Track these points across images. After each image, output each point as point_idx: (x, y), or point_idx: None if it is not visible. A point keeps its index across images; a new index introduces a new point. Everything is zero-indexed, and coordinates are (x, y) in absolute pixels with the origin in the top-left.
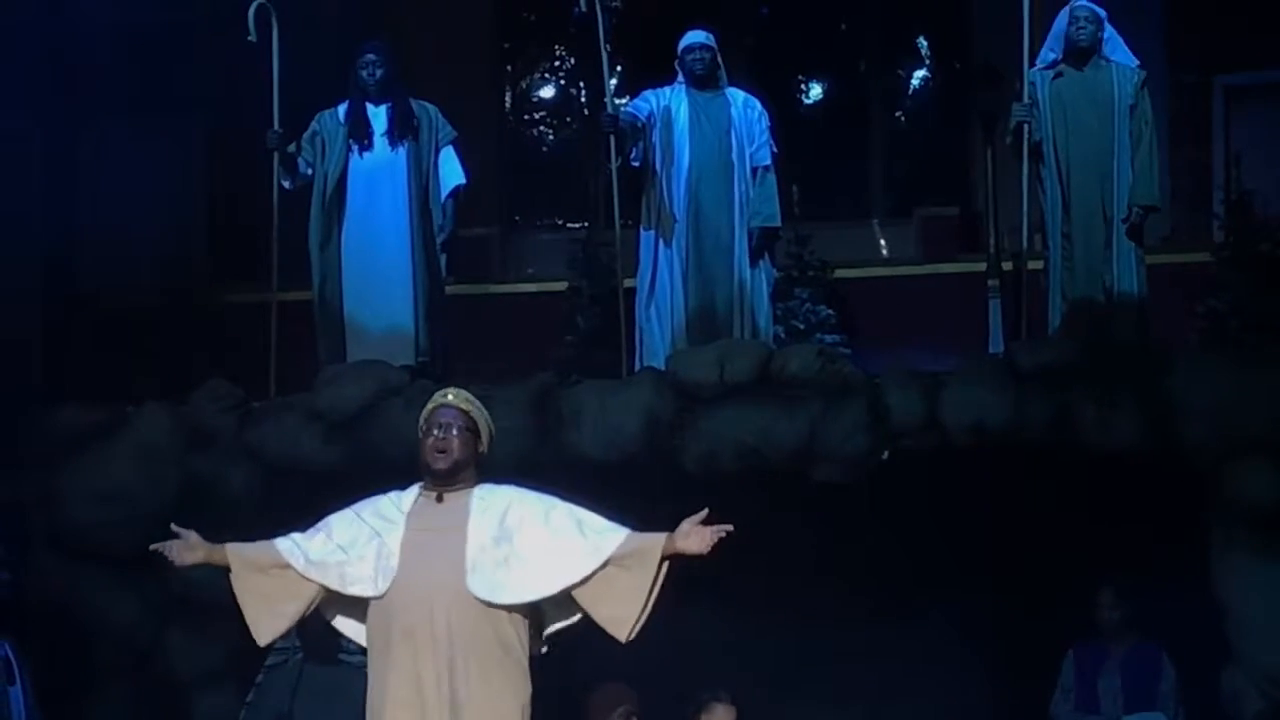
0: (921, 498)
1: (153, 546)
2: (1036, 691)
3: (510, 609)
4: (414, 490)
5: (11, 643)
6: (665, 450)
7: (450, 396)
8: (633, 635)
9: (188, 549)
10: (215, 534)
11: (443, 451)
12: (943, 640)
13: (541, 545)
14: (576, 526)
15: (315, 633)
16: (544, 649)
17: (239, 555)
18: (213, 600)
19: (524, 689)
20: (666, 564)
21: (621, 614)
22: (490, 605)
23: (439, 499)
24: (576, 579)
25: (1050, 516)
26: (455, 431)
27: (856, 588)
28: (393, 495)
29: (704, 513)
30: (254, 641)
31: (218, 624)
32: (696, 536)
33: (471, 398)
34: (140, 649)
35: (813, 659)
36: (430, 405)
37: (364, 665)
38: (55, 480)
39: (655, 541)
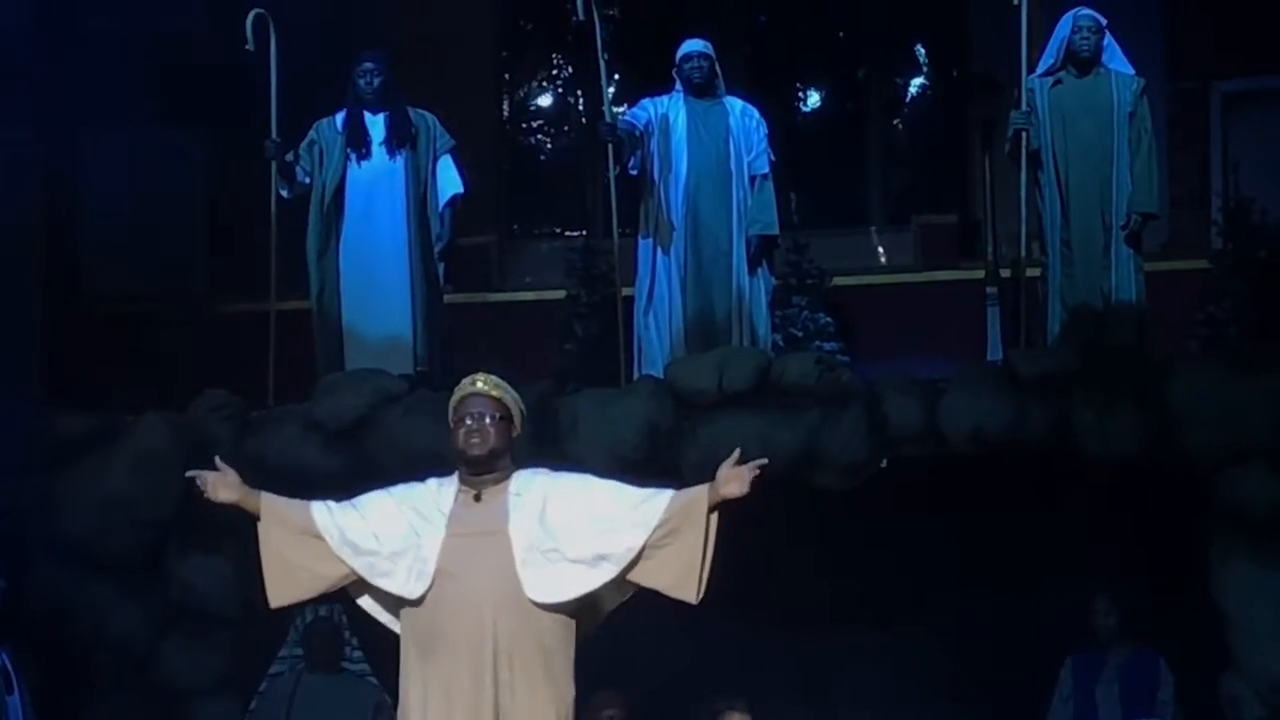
0: (920, 505)
1: (189, 473)
2: (1035, 699)
3: (558, 610)
4: (452, 485)
5: (9, 651)
6: (664, 459)
7: (480, 384)
8: (701, 594)
9: (224, 485)
10: (216, 543)
11: (478, 439)
12: (942, 647)
13: (587, 534)
14: (616, 504)
15: (318, 642)
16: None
17: (273, 508)
18: (212, 609)
19: (568, 693)
20: (715, 515)
21: (684, 578)
22: (544, 607)
23: (477, 498)
24: (628, 560)
25: (1049, 523)
26: (489, 420)
27: (858, 594)
28: (432, 487)
29: (737, 453)
30: (253, 650)
31: (217, 633)
32: (736, 480)
33: (500, 381)
34: (139, 657)
35: (816, 665)
36: (459, 394)
37: (366, 674)
38: (54, 488)
39: (699, 496)
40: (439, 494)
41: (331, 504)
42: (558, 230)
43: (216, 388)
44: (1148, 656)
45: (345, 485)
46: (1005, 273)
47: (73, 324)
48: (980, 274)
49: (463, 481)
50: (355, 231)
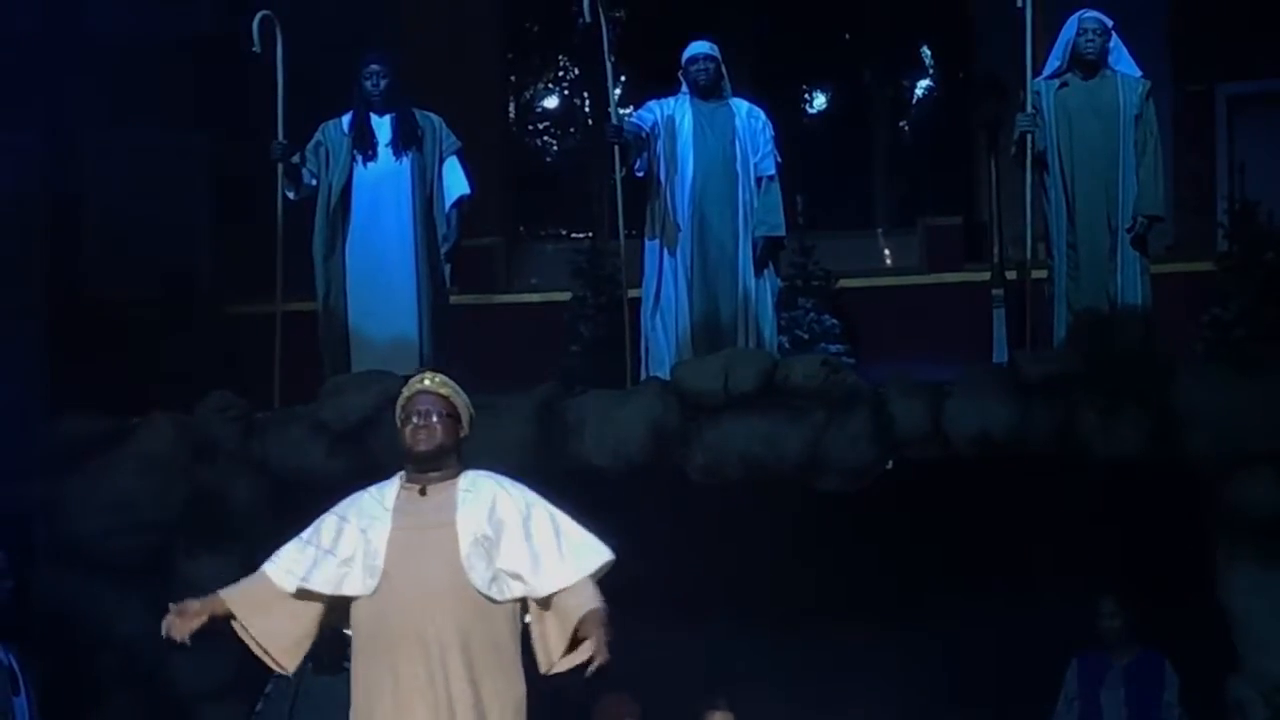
0: (925, 507)
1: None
2: (1040, 701)
3: (505, 604)
4: (394, 483)
5: (16, 652)
6: (670, 460)
7: (428, 382)
8: (550, 671)
9: (184, 618)
10: (221, 545)
11: (424, 435)
12: (947, 650)
13: (520, 553)
14: (547, 544)
15: (322, 643)
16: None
17: (237, 601)
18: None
19: (519, 687)
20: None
21: (554, 649)
22: (490, 601)
23: (422, 492)
24: (539, 598)
25: (1054, 526)
26: (436, 417)
27: (858, 596)
28: (373, 491)
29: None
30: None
31: (223, 635)
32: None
33: (449, 380)
34: (145, 660)
35: (815, 666)
36: (408, 391)
37: None
38: (60, 490)
39: (583, 606)
40: (382, 493)
41: (282, 554)
42: (564, 232)
43: (222, 389)
44: (1153, 659)
45: (349, 488)
46: (1011, 275)
47: (78, 326)
48: (985, 276)
49: (408, 478)
50: (361, 233)
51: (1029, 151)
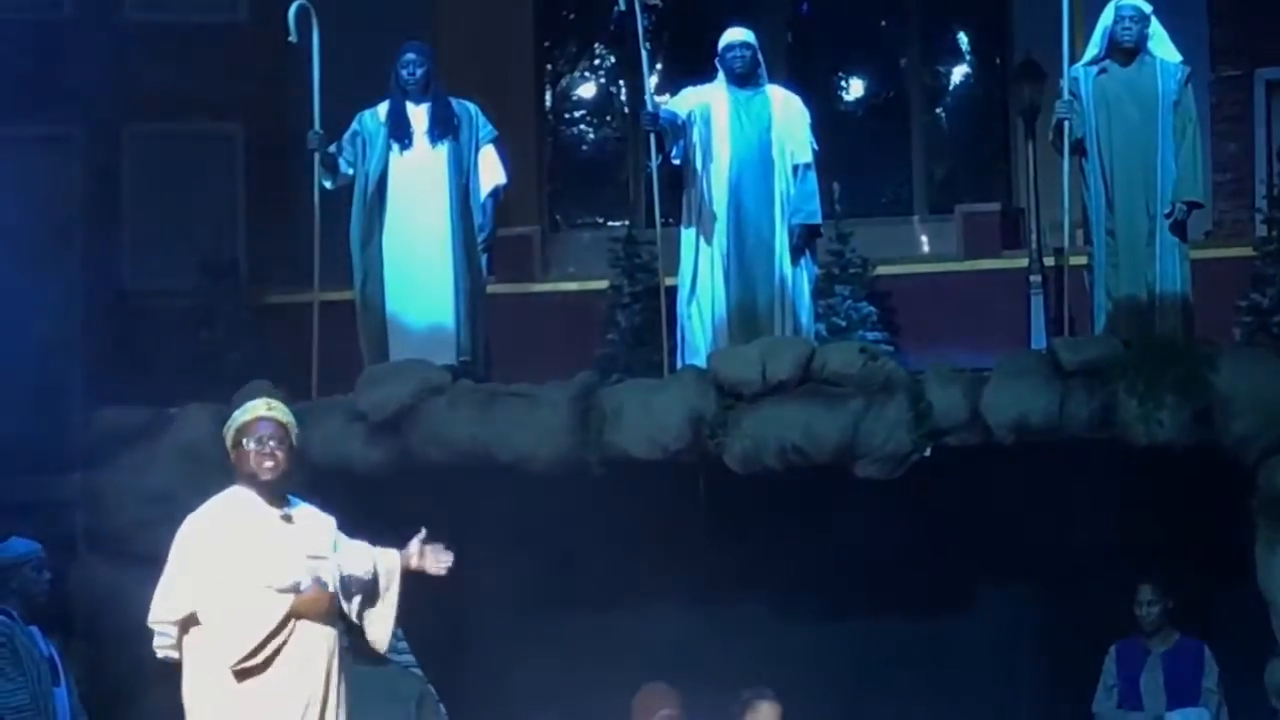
0: (964, 494)
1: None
2: (1079, 688)
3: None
4: (250, 509)
5: (56, 643)
6: (707, 448)
7: (267, 409)
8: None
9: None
10: None
11: (271, 463)
12: (985, 637)
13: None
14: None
15: (361, 632)
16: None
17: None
18: None
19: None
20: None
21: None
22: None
23: (287, 519)
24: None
25: (1092, 513)
26: (276, 443)
27: (901, 586)
28: (228, 519)
29: (423, 532)
30: None
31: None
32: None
33: (284, 407)
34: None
35: (855, 653)
36: (247, 416)
37: (412, 664)
38: (98, 482)
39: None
40: (250, 519)
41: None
42: (600, 220)
43: (259, 379)
44: (1192, 645)
45: (387, 478)
46: (1049, 261)
47: (115, 318)
48: (1024, 263)
49: (262, 499)
50: (398, 222)
51: (1067, 138)
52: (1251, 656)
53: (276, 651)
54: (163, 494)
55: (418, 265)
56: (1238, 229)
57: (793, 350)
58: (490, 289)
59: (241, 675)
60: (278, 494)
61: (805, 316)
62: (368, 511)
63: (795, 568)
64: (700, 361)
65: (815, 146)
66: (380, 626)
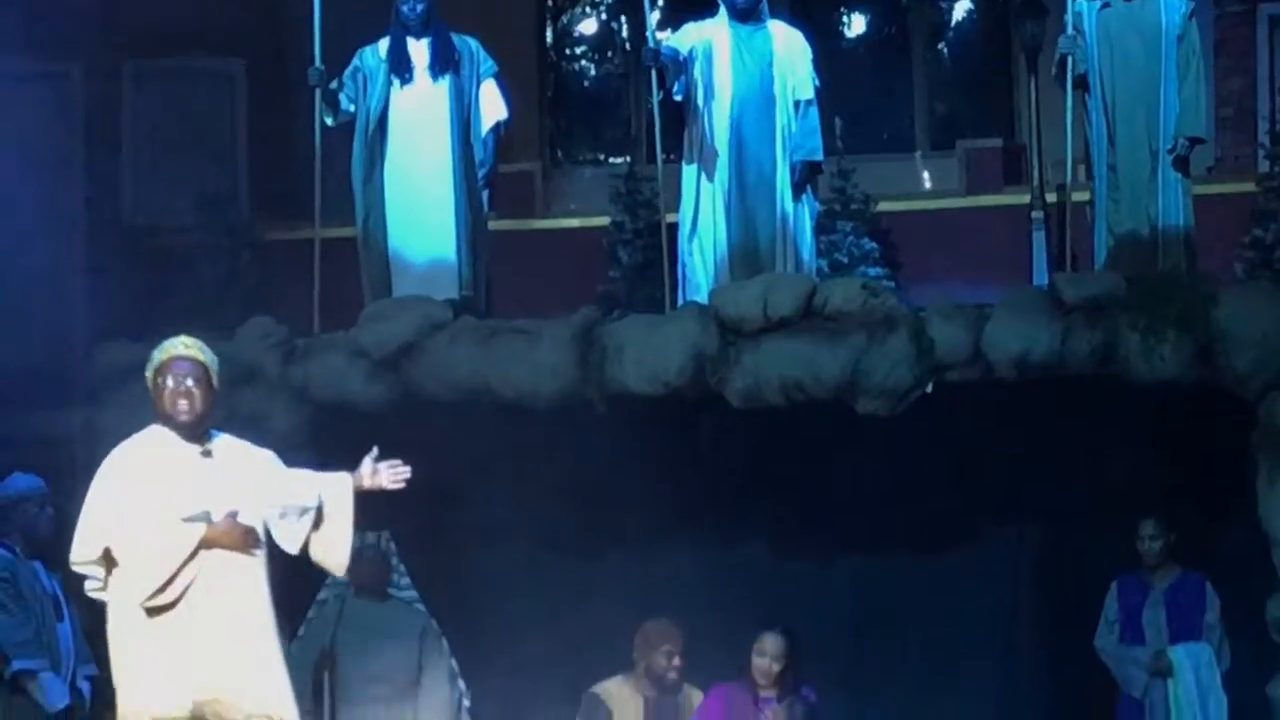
0: (965, 430)
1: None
2: (1081, 623)
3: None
4: (167, 445)
5: (59, 579)
6: (709, 385)
7: (183, 348)
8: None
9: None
10: None
11: (187, 403)
12: (987, 573)
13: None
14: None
15: (366, 567)
16: None
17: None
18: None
19: None
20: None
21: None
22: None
23: (206, 454)
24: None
25: (1094, 448)
26: (193, 383)
27: (902, 521)
28: (147, 456)
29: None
30: (300, 576)
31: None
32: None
33: (204, 346)
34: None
35: (857, 590)
36: (163, 355)
37: (414, 600)
38: (99, 417)
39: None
40: (167, 456)
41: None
42: (602, 157)
43: (261, 316)
44: (1194, 580)
45: (389, 414)
46: (1051, 197)
47: (117, 254)
48: (1025, 199)
49: (180, 437)
50: (400, 158)
51: (1070, 73)
52: (1253, 591)
53: (190, 586)
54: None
55: (419, 201)
56: (1240, 164)
57: (794, 286)
58: (491, 225)
59: (154, 612)
60: (197, 432)
61: (807, 253)
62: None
63: (797, 504)
64: (702, 298)
65: (817, 82)
66: (332, 550)
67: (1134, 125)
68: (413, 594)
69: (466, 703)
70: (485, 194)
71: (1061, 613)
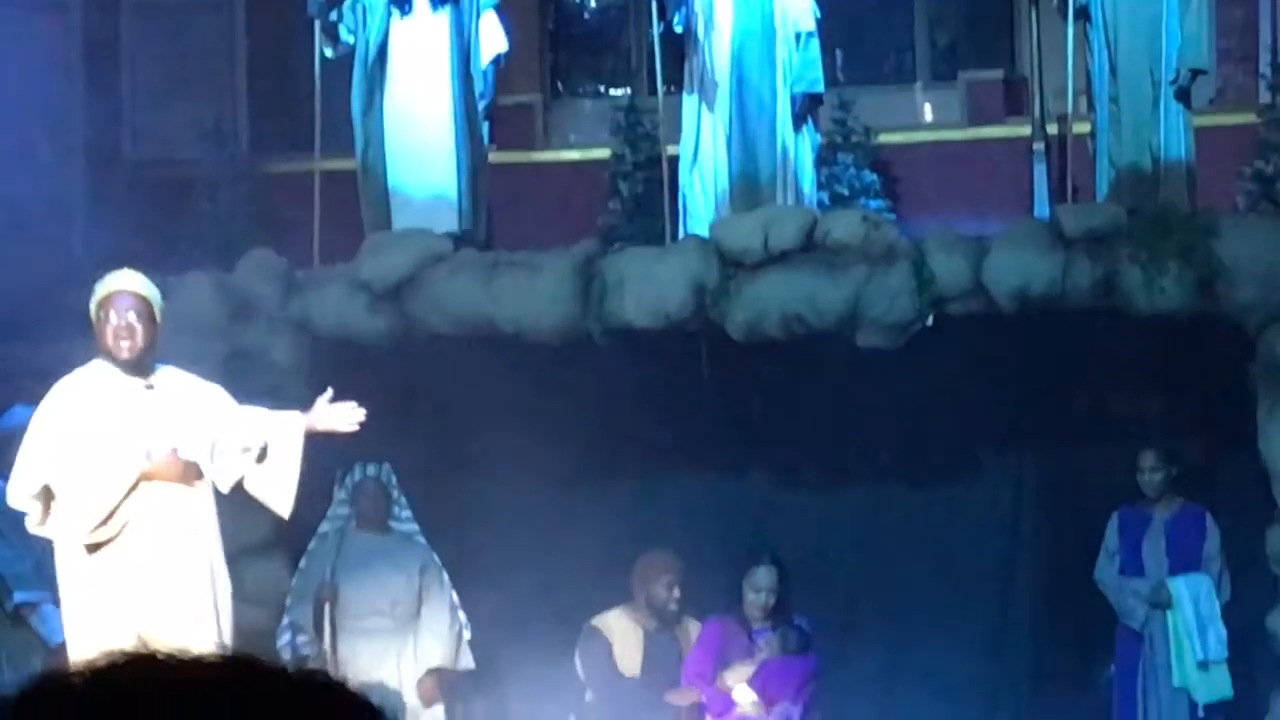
0: (967, 363)
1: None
2: (1082, 555)
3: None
4: (103, 375)
5: None
6: (709, 317)
7: (124, 282)
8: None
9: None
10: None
11: (128, 339)
12: (988, 505)
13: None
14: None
15: (366, 500)
16: None
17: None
18: None
19: None
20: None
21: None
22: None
23: (149, 387)
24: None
25: (1096, 380)
26: (135, 317)
27: (903, 452)
28: (89, 393)
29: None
30: (301, 509)
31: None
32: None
33: (146, 280)
34: None
35: (858, 522)
36: (105, 290)
37: (415, 533)
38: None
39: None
40: (108, 390)
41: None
42: (602, 89)
43: (261, 248)
44: (1194, 511)
45: (389, 346)
46: (1052, 129)
47: (116, 185)
48: (1026, 131)
49: (122, 371)
50: (399, 90)
51: (1071, 4)
52: (1253, 523)
53: (130, 522)
54: (164, 362)
55: (419, 133)
56: (1242, 96)
57: (795, 219)
58: (491, 158)
59: (95, 547)
60: (140, 366)
61: (807, 185)
62: (369, 382)
63: (797, 436)
64: (702, 230)
65: (818, 14)
66: (275, 489)
67: (1135, 56)
68: (413, 526)
69: (467, 635)
70: (485, 126)
71: (1061, 544)
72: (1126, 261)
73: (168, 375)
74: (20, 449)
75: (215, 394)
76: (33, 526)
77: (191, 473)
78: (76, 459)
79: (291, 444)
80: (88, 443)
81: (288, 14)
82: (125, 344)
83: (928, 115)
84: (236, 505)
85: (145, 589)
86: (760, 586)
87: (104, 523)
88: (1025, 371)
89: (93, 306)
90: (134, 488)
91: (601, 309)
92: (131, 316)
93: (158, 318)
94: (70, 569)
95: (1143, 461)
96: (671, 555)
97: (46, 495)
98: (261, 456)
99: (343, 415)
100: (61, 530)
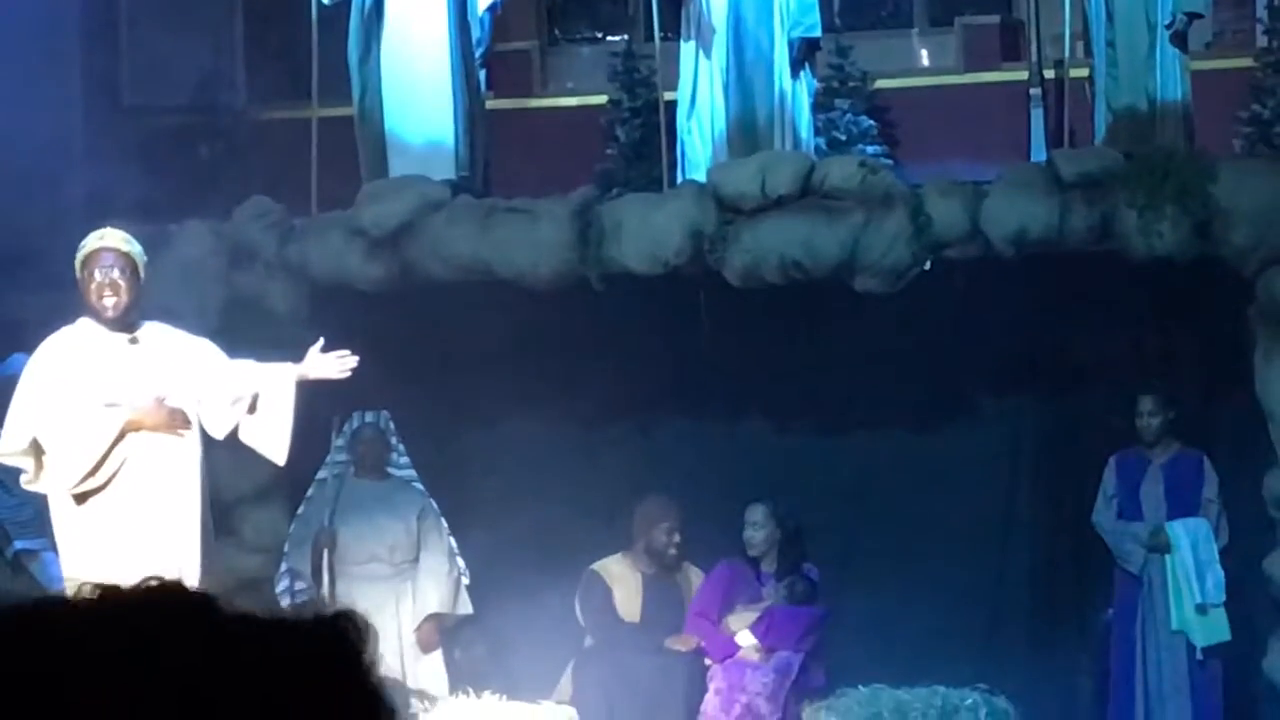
0: (964, 307)
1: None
2: (1079, 499)
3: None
4: (88, 332)
5: None
6: (707, 263)
7: (107, 239)
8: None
9: None
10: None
11: (112, 296)
12: (985, 449)
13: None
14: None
15: (365, 447)
16: None
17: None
18: None
19: None
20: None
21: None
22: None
23: (133, 341)
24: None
25: (1093, 325)
26: (118, 274)
27: (902, 398)
28: (73, 354)
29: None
30: (299, 455)
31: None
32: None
33: (128, 237)
34: None
35: (855, 466)
36: (88, 248)
37: (413, 479)
38: None
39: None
40: (94, 345)
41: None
42: (599, 35)
43: (259, 195)
44: (1192, 456)
45: (387, 293)
46: (1049, 74)
47: (114, 133)
48: (1023, 75)
49: (106, 327)
50: (396, 36)
51: None
52: (1251, 466)
53: (118, 472)
54: (162, 310)
55: (416, 80)
56: (1239, 39)
57: (792, 164)
58: (489, 104)
59: (84, 497)
60: (125, 322)
61: (805, 130)
62: (367, 328)
63: (796, 382)
64: (699, 176)
65: None
66: (269, 438)
67: (1132, 0)
68: (411, 473)
69: (465, 580)
70: (482, 73)
71: (1060, 488)
72: (1123, 205)
73: (153, 330)
74: (9, 408)
75: (203, 347)
76: (27, 483)
77: (178, 421)
78: (62, 413)
79: (283, 394)
80: (73, 397)
81: None
82: (109, 301)
83: (925, 60)
84: (235, 453)
85: (135, 535)
86: (752, 522)
87: (92, 473)
88: (1023, 316)
89: (77, 265)
90: (120, 438)
91: (599, 255)
92: (115, 273)
93: (141, 274)
94: (63, 518)
95: (1140, 406)
96: (671, 501)
97: (37, 451)
98: (253, 407)
99: (334, 363)
100: (52, 483)
